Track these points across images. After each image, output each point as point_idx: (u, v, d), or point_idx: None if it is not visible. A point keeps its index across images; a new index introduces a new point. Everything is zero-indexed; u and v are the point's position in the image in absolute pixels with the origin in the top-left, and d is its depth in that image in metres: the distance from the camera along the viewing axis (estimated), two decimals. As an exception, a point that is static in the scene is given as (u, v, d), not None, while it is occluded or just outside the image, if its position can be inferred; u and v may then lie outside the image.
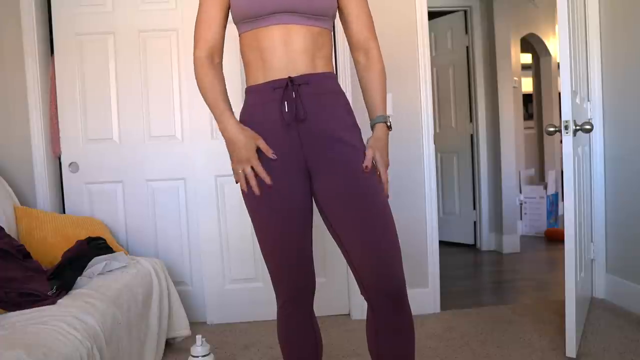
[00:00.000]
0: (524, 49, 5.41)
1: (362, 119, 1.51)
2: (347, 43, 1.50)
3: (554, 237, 4.63)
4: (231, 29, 1.46)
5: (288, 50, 1.33)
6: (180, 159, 2.84)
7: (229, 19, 1.43)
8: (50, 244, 2.40)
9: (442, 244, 4.02)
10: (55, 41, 2.78)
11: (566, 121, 2.05)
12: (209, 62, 1.39)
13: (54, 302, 1.74)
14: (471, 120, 4.41)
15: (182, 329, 2.44)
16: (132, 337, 1.98)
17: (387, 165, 1.39)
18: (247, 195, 1.39)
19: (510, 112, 4.18)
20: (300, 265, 1.42)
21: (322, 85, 1.37)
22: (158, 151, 2.84)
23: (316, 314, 1.55)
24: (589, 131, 2.17)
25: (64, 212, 2.84)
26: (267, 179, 1.32)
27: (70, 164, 2.81)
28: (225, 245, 2.82)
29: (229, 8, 1.40)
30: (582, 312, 2.36)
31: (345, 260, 1.42)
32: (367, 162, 1.34)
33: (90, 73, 2.80)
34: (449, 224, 4.64)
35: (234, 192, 2.75)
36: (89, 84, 2.80)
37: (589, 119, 2.79)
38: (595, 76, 2.84)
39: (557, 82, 5.68)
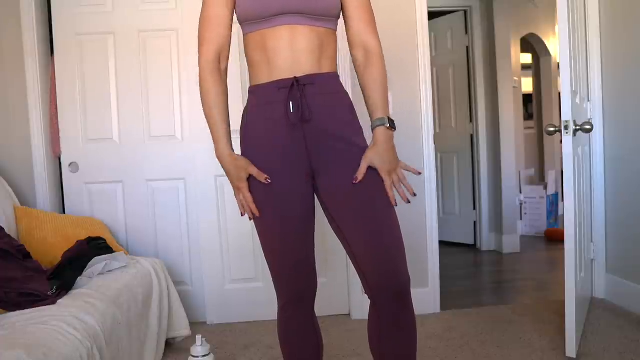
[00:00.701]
0: (524, 49, 5.41)
1: (363, 120, 1.51)
2: (346, 43, 1.48)
3: (554, 237, 4.63)
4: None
5: (294, 50, 1.32)
6: (180, 159, 2.84)
7: (234, 18, 1.41)
8: (50, 244, 2.40)
9: (442, 244, 4.01)
10: (55, 41, 2.78)
11: (566, 121, 2.05)
12: (215, 68, 1.37)
13: (54, 302, 1.74)
14: (471, 120, 4.41)
15: (182, 329, 2.44)
16: (132, 337, 1.98)
17: (394, 169, 1.35)
18: (251, 195, 1.40)
19: (510, 112, 4.18)
20: (302, 267, 1.42)
21: (327, 85, 1.37)
22: (158, 151, 2.84)
23: (316, 314, 1.54)
24: (589, 131, 2.17)
25: (64, 212, 2.84)
26: (256, 212, 1.36)
27: (70, 164, 2.81)
28: (225, 245, 2.82)
29: (234, 7, 1.37)
30: (582, 312, 2.36)
31: (345, 260, 1.42)
32: (359, 175, 1.31)
33: (90, 73, 2.80)
34: (449, 224, 4.64)
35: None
36: (89, 84, 2.80)
37: (589, 119, 2.79)
38: (595, 76, 2.84)
39: (557, 82, 5.68)
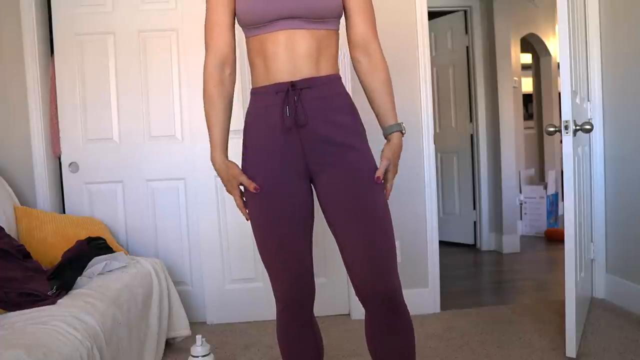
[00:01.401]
0: (524, 49, 5.41)
1: (362, 120, 1.51)
2: (346, 43, 1.48)
3: (554, 237, 4.63)
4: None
5: (292, 55, 1.32)
6: (180, 159, 2.84)
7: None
8: (50, 244, 2.40)
9: (442, 244, 4.01)
10: (55, 41, 2.78)
11: (566, 121, 2.05)
12: (219, 80, 1.38)
13: (54, 302, 1.74)
14: (471, 120, 4.41)
15: (182, 329, 2.44)
16: (132, 337, 1.98)
17: (396, 173, 1.41)
18: (247, 200, 1.40)
19: (510, 112, 4.18)
20: (300, 270, 1.41)
21: (326, 88, 1.36)
22: (158, 151, 2.84)
23: (316, 314, 1.54)
24: (589, 131, 2.17)
25: (64, 212, 2.84)
26: (247, 217, 1.42)
27: (70, 164, 2.81)
28: (225, 245, 2.82)
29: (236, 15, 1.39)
30: (582, 312, 2.36)
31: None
32: (380, 173, 1.34)
33: (90, 73, 2.80)
34: (449, 224, 4.64)
35: (234, 192, 2.74)
36: (89, 84, 2.80)
37: (589, 119, 2.79)
38: (595, 76, 2.84)
39: (557, 82, 5.68)
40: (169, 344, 2.45)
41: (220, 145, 1.40)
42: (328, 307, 2.81)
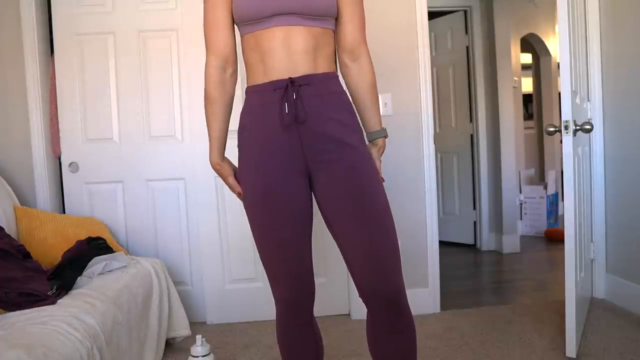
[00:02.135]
0: (524, 49, 5.41)
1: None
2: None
3: (554, 237, 4.63)
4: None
5: (289, 51, 1.32)
6: (180, 159, 2.84)
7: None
8: (50, 244, 2.40)
9: (442, 244, 4.00)
10: (55, 41, 2.78)
11: (566, 121, 2.05)
12: (220, 75, 1.40)
13: (54, 302, 1.74)
14: (471, 120, 4.41)
15: (182, 329, 2.44)
16: (132, 337, 1.98)
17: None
18: (246, 199, 1.39)
19: (510, 112, 4.18)
20: (298, 268, 1.40)
21: (324, 85, 1.36)
22: (158, 151, 2.84)
23: (316, 314, 1.54)
24: (589, 131, 2.17)
25: (64, 212, 2.84)
26: (239, 195, 1.44)
27: (70, 164, 2.81)
28: (225, 245, 2.82)
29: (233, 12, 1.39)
30: (582, 312, 2.36)
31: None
32: (381, 174, 1.43)
33: (90, 73, 2.80)
34: (449, 224, 4.64)
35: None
36: (89, 84, 2.80)
37: (589, 119, 2.79)
38: (595, 76, 2.84)
39: (557, 82, 5.68)
40: (169, 344, 2.45)
41: (216, 146, 1.44)
42: (328, 307, 2.81)
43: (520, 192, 5.01)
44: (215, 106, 1.41)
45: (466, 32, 4.37)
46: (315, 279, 1.47)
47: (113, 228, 2.82)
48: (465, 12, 4.34)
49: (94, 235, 2.45)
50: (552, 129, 2.20)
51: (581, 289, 2.34)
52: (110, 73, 2.81)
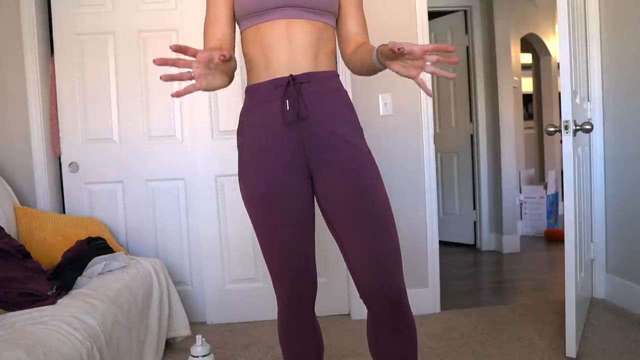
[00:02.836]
0: (524, 49, 5.41)
1: (362, 120, 1.51)
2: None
3: (554, 237, 4.63)
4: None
5: (291, 45, 1.32)
6: (180, 159, 2.84)
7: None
8: (50, 244, 2.40)
9: (442, 244, 4.01)
10: (55, 41, 2.78)
11: (566, 121, 2.05)
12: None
13: (54, 302, 1.74)
14: (471, 120, 4.41)
15: (182, 329, 2.44)
16: (132, 337, 1.98)
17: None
18: (249, 197, 1.39)
19: (510, 112, 4.18)
20: (303, 266, 1.41)
21: (324, 83, 1.36)
22: (158, 151, 2.84)
23: (316, 314, 1.54)
24: (589, 131, 2.17)
25: (64, 212, 2.84)
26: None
27: (70, 164, 2.81)
28: (225, 245, 2.81)
29: (234, 5, 1.39)
30: (582, 312, 2.36)
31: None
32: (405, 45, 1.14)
33: (90, 73, 2.80)
34: (449, 224, 4.64)
35: (234, 192, 2.75)
36: (89, 84, 2.80)
37: (589, 119, 2.79)
38: (595, 76, 2.84)
39: (557, 82, 5.68)
40: (169, 344, 2.45)
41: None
42: (328, 307, 2.81)
43: (520, 192, 5.01)
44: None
45: (466, 32, 4.37)
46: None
47: (113, 228, 2.82)
48: (465, 12, 4.34)
49: (94, 235, 2.45)
50: (552, 129, 2.20)
51: (581, 289, 2.34)
52: (110, 73, 2.81)
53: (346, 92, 1.43)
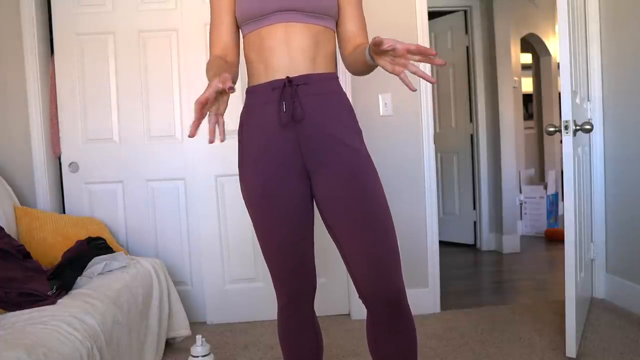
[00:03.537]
0: (524, 49, 5.41)
1: (362, 120, 1.51)
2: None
3: (554, 237, 4.63)
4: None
5: (289, 49, 1.34)
6: (180, 159, 2.84)
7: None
8: (50, 244, 2.40)
9: (442, 244, 4.02)
10: (55, 41, 2.78)
11: (566, 121, 2.05)
12: (218, 56, 1.40)
13: (54, 302, 1.74)
14: (471, 120, 4.41)
15: (182, 329, 2.44)
16: (132, 337, 1.98)
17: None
18: (248, 197, 1.40)
19: (510, 112, 4.18)
20: (301, 267, 1.42)
21: (322, 85, 1.36)
22: (158, 151, 2.84)
23: (316, 314, 1.55)
24: (589, 131, 2.17)
25: (64, 212, 2.84)
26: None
27: (70, 164, 2.81)
28: (225, 245, 2.82)
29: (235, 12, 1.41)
30: (582, 312, 2.36)
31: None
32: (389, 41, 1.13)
33: (90, 73, 2.80)
34: (449, 224, 4.64)
35: (234, 192, 2.75)
36: (89, 84, 2.80)
37: (589, 119, 2.79)
38: (595, 76, 2.84)
39: (557, 82, 5.68)
40: (169, 344, 2.45)
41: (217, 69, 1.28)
42: (328, 307, 2.81)
43: (520, 192, 5.01)
44: (214, 62, 1.33)
45: (466, 32, 4.37)
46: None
47: (113, 228, 2.82)
48: (465, 12, 4.34)
49: (94, 235, 2.45)
50: (552, 129, 2.20)
51: (581, 289, 2.34)
52: (110, 73, 2.81)
53: (346, 95, 1.43)
